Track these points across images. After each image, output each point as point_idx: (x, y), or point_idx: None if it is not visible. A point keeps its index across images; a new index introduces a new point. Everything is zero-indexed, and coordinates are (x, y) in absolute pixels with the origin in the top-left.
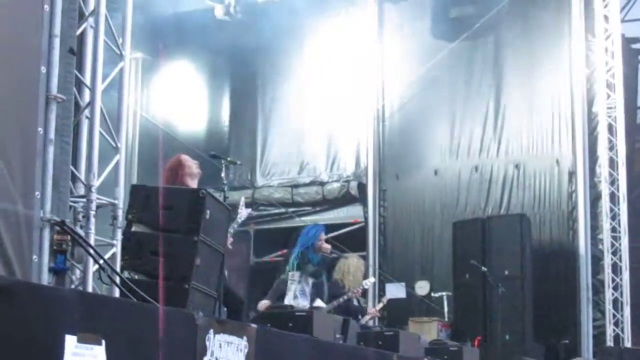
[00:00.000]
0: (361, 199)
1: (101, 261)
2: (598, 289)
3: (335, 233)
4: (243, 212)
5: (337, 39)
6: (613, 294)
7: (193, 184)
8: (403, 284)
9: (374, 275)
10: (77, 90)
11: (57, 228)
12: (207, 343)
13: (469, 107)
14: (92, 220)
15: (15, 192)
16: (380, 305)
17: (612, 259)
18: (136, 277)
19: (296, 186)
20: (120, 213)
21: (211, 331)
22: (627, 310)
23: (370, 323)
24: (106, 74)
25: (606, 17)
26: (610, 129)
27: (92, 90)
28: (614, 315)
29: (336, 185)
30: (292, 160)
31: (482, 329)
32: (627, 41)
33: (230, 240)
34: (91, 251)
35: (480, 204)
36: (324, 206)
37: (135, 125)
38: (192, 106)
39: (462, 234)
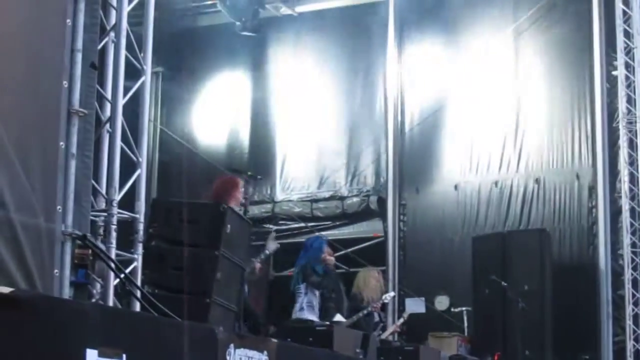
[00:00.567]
0: (381, 213)
1: (122, 275)
2: (618, 304)
3: (355, 247)
4: (271, 245)
5: (358, 53)
6: (633, 310)
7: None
8: (423, 298)
9: (394, 290)
10: (98, 105)
11: (79, 242)
12: (228, 357)
13: (489, 121)
14: (113, 234)
15: (37, 206)
16: (401, 320)
17: (632, 274)
18: (156, 291)
19: (316, 200)
20: (141, 227)
21: (232, 346)
22: None
23: (390, 338)
24: (126, 87)
25: (627, 32)
26: (631, 143)
27: (114, 104)
28: (634, 331)
29: (356, 199)
30: (311, 174)
31: (501, 344)
32: None
33: (258, 266)
34: (112, 265)
35: (500, 219)
36: (344, 220)
37: (155, 139)
38: (212, 120)
39: (482, 248)
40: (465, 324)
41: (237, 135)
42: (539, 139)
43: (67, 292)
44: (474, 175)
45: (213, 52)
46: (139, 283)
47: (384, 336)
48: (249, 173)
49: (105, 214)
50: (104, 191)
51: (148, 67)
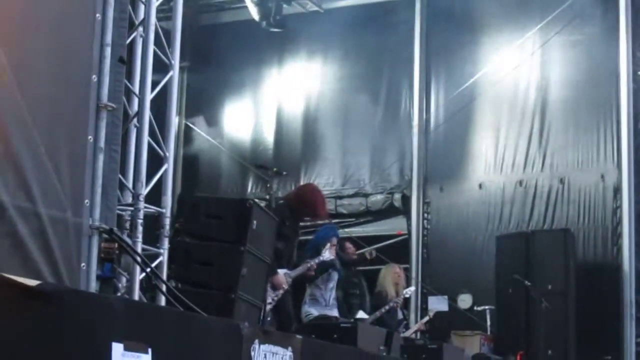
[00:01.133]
0: (405, 211)
1: (148, 269)
2: None
3: (379, 245)
4: (327, 254)
5: (384, 51)
6: None
7: (301, 220)
8: (445, 297)
9: (416, 288)
10: (126, 99)
11: (105, 236)
12: (253, 353)
13: (514, 120)
14: (140, 228)
15: (64, 200)
16: (426, 319)
17: None
18: (179, 285)
19: (340, 197)
20: (168, 222)
21: (256, 341)
22: None
23: (413, 336)
24: (154, 82)
25: None
26: None
27: (141, 99)
28: None
29: (380, 197)
30: (336, 171)
31: (524, 343)
32: None
33: (313, 266)
34: (138, 259)
35: (525, 218)
36: (368, 218)
37: (180, 133)
38: (237, 116)
39: (506, 247)
40: (488, 323)
41: (262, 131)
42: (564, 138)
43: (93, 286)
44: (498, 174)
45: (239, 47)
46: (164, 278)
47: (407, 334)
48: (274, 169)
49: (132, 208)
50: (130, 185)
51: (176, 62)
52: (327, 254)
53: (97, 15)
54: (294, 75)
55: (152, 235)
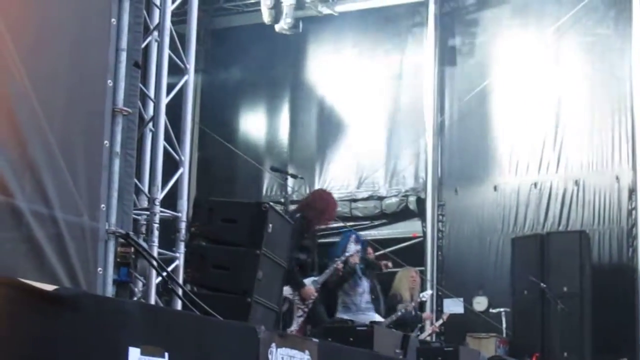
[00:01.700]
0: (420, 213)
1: (164, 274)
2: None
3: (393, 247)
4: (352, 248)
5: (398, 53)
6: None
7: (318, 224)
8: (461, 299)
9: (432, 290)
10: (141, 103)
11: (121, 240)
12: (270, 357)
13: (529, 122)
14: (156, 232)
15: (81, 204)
16: (440, 321)
17: None
18: (195, 289)
19: (354, 200)
20: (184, 226)
21: (273, 345)
22: None
23: (428, 338)
24: (169, 86)
25: None
26: None
27: (157, 103)
28: None
29: (395, 199)
30: (350, 174)
31: (540, 345)
32: None
33: (340, 266)
34: (154, 263)
35: (540, 220)
36: (382, 220)
37: (194, 137)
38: (252, 119)
39: (521, 250)
40: (504, 325)
41: (277, 134)
42: (579, 140)
43: (110, 290)
44: (513, 176)
45: (253, 50)
46: (180, 282)
47: (422, 337)
48: (290, 172)
49: (148, 212)
50: (146, 190)
51: (191, 66)
52: (353, 247)
53: (113, 20)
54: (308, 78)
55: (168, 240)
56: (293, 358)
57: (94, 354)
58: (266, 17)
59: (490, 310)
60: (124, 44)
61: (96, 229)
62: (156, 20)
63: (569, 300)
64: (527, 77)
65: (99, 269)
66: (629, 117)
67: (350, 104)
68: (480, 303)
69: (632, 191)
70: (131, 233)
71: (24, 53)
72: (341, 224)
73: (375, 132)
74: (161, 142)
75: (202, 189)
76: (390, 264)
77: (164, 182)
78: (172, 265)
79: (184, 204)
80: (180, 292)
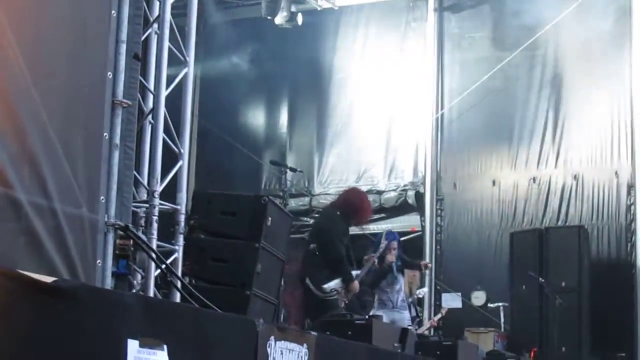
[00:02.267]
0: (418, 207)
1: (163, 266)
2: None
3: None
4: (383, 244)
5: (397, 48)
6: None
7: (354, 222)
8: (459, 294)
9: (430, 284)
10: (141, 96)
11: (120, 233)
12: (268, 350)
13: (528, 117)
14: (155, 225)
15: (80, 196)
16: (439, 315)
17: None
18: (194, 281)
19: None
20: (183, 218)
21: (272, 338)
22: None
23: (426, 333)
24: (168, 78)
25: None
26: None
27: (156, 95)
28: None
29: (394, 194)
30: (349, 168)
31: (538, 340)
32: None
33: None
34: (153, 256)
35: (538, 215)
36: (381, 214)
37: (194, 130)
38: (251, 112)
39: (520, 244)
40: (502, 320)
41: (276, 128)
42: (578, 135)
43: (109, 283)
44: (512, 171)
45: (252, 43)
46: (179, 274)
47: (420, 331)
48: (289, 166)
49: (147, 205)
50: (145, 182)
51: (191, 59)
52: (383, 244)
53: (113, 12)
54: (308, 72)
55: (167, 232)
56: (292, 351)
57: (93, 346)
58: (265, 11)
59: (489, 304)
60: (124, 36)
61: (95, 221)
62: (156, 12)
63: (567, 295)
64: (526, 72)
65: (98, 261)
66: (628, 113)
67: (350, 97)
68: (478, 297)
69: (631, 186)
70: (130, 225)
71: (24, 44)
72: None
73: (374, 126)
74: (160, 135)
75: (200, 181)
76: (430, 264)
77: (163, 175)
78: (171, 258)
79: (183, 196)
80: (179, 284)
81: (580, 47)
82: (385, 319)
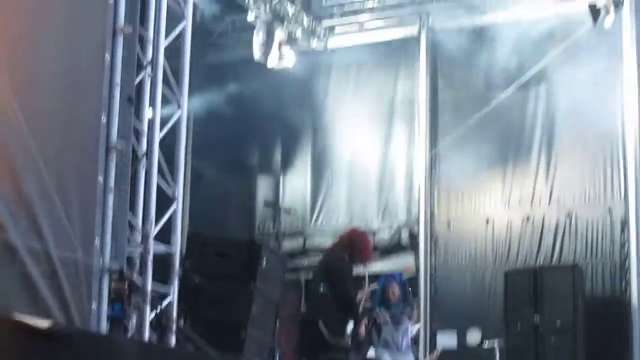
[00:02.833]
0: (412, 247)
1: (158, 309)
2: None
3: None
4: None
5: (390, 87)
6: None
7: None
8: (455, 330)
9: (425, 324)
10: (135, 138)
11: (115, 276)
12: None
13: (521, 155)
14: (149, 268)
15: (75, 241)
16: (434, 356)
17: None
18: (188, 322)
19: None
20: (178, 261)
21: None
22: None
23: None
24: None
25: None
26: None
27: (150, 139)
28: None
29: (387, 233)
30: (343, 208)
31: None
32: None
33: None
34: (148, 299)
35: (532, 254)
36: (374, 254)
37: (187, 172)
38: (244, 152)
39: (514, 283)
40: (497, 359)
41: (269, 168)
42: (571, 173)
43: (104, 326)
44: (505, 209)
45: (245, 84)
46: (174, 317)
47: None
48: (283, 207)
49: (142, 247)
50: (140, 225)
51: (184, 102)
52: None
53: (106, 55)
54: (300, 112)
55: (162, 275)
56: None
57: None
58: (257, 53)
59: (484, 344)
60: (117, 79)
61: (90, 265)
62: (149, 55)
63: (562, 335)
64: (519, 109)
65: (93, 305)
66: (621, 150)
67: (343, 137)
68: (473, 336)
69: (624, 224)
70: (125, 269)
71: (18, 89)
72: None
73: (368, 165)
74: (155, 178)
75: (194, 223)
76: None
77: (158, 217)
78: (166, 301)
79: (177, 239)
80: (174, 327)
81: (572, 85)
82: None
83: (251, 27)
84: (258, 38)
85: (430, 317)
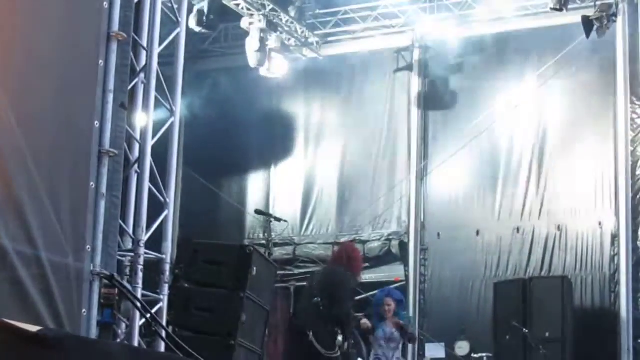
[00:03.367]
0: (402, 257)
1: (148, 315)
2: (639, 352)
3: (376, 292)
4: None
5: (382, 98)
6: None
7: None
8: (442, 344)
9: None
10: (127, 145)
11: (106, 282)
12: None
13: (512, 167)
14: (140, 274)
15: (66, 245)
16: None
17: None
18: (177, 330)
19: (337, 243)
20: (168, 268)
21: None
22: None
23: None
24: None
25: None
26: None
27: (143, 145)
28: None
29: (377, 243)
30: (333, 217)
31: None
32: None
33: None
34: (138, 305)
35: (522, 265)
36: (365, 264)
37: (178, 178)
38: (235, 161)
39: (504, 294)
40: None
41: (260, 176)
42: (562, 185)
43: (94, 332)
44: (496, 221)
45: (237, 92)
46: (164, 323)
47: None
48: (274, 216)
49: (132, 254)
50: (131, 231)
51: (177, 108)
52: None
53: (100, 61)
54: (293, 120)
55: (153, 281)
56: None
57: None
58: (252, 60)
59: (472, 355)
60: (111, 85)
61: (81, 270)
62: (143, 61)
63: (551, 346)
64: (510, 122)
65: (83, 310)
66: (612, 163)
67: (334, 147)
68: (462, 348)
69: (614, 237)
70: (116, 274)
71: (11, 94)
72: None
73: (359, 175)
74: (146, 184)
75: (184, 229)
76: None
77: (149, 224)
78: (156, 307)
79: (168, 246)
80: (163, 334)
81: (564, 98)
82: None
83: (244, 35)
84: (252, 45)
85: (419, 328)
